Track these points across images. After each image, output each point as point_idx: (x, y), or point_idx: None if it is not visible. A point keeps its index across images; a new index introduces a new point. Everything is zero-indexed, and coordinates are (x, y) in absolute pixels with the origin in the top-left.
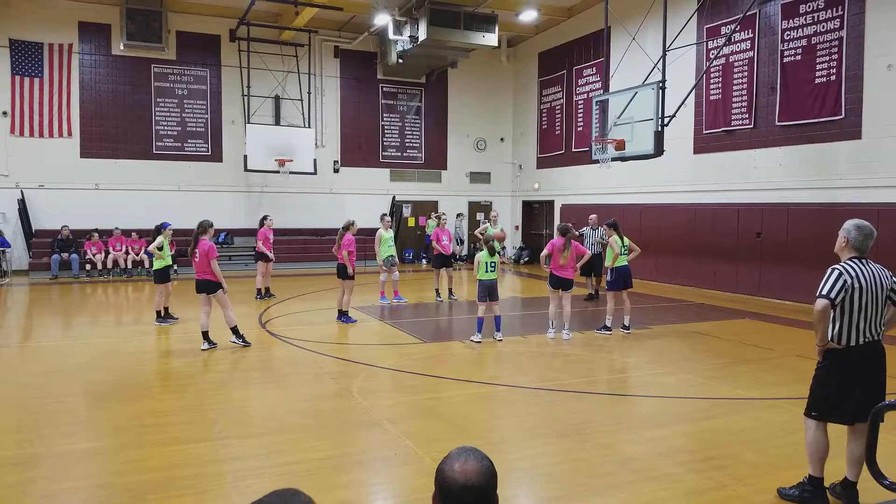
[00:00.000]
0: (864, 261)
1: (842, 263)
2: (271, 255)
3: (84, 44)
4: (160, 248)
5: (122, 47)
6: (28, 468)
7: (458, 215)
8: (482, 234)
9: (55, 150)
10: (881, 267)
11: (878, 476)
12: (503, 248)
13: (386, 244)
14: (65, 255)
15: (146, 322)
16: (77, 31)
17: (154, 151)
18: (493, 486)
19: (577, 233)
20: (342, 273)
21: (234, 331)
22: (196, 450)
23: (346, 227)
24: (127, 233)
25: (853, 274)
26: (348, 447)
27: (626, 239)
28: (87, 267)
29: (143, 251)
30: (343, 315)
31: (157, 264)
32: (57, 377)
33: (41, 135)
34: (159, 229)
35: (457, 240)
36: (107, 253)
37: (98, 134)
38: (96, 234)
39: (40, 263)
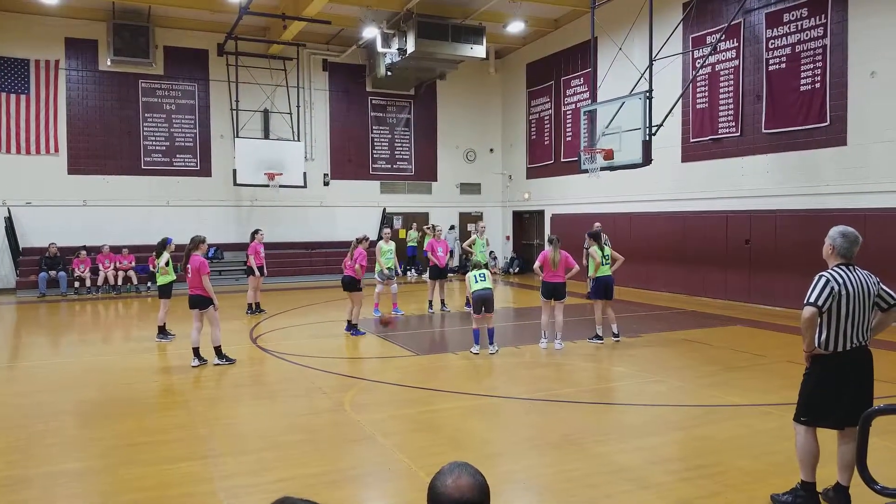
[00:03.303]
0: (850, 267)
1: (829, 270)
2: (257, 272)
3: (71, 60)
4: (167, 264)
5: (109, 63)
6: (18, 489)
7: (451, 228)
8: (470, 248)
9: (42, 167)
10: (868, 273)
11: (869, 481)
12: (494, 258)
13: (385, 256)
14: (53, 272)
15: (136, 339)
16: (63, 47)
17: (142, 167)
18: (486, 501)
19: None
20: (349, 286)
21: (218, 351)
22: (188, 468)
23: (360, 241)
24: (117, 249)
25: (840, 281)
26: (341, 462)
27: (607, 249)
28: (76, 284)
29: (132, 267)
30: (352, 327)
31: (162, 280)
32: (45, 397)
33: (28, 152)
34: (164, 244)
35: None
36: (95, 270)
37: (85, 150)
38: (84, 252)
39: (28, 282)
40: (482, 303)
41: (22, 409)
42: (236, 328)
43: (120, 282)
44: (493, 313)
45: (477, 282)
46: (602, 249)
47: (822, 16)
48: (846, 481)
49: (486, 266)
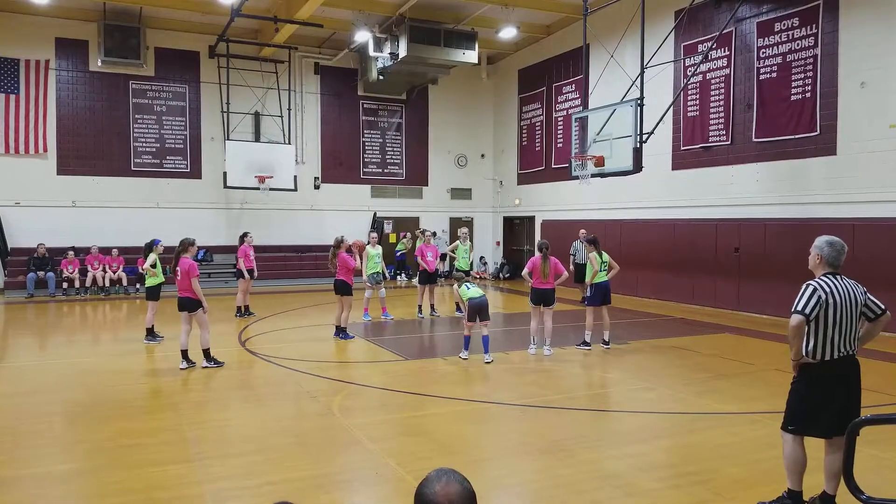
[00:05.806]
0: (837, 276)
1: (816, 279)
2: (247, 274)
3: (61, 60)
4: (153, 266)
5: (99, 63)
6: (4, 491)
7: (433, 234)
8: (453, 252)
9: (31, 168)
10: (855, 282)
11: (856, 490)
12: (484, 263)
13: (372, 261)
14: (41, 273)
15: (124, 341)
16: (54, 48)
17: (132, 168)
18: None
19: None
20: (342, 289)
21: (206, 353)
22: (175, 471)
23: (338, 245)
24: (106, 250)
25: (828, 290)
26: (329, 467)
27: (605, 255)
28: (64, 285)
29: (121, 269)
30: (341, 331)
31: (150, 282)
32: (32, 398)
33: (17, 152)
34: (150, 246)
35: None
36: (84, 271)
37: (75, 151)
38: (72, 253)
39: (15, 282)
40: (478, 310)
41: (8, 411)
42: (225, 331)
43: (108, 283)
44: (489, 320)
45: (469, 289)
46: (600, 255)
47: (814, 26)
48: (833, 490)
49: (468, 272)
